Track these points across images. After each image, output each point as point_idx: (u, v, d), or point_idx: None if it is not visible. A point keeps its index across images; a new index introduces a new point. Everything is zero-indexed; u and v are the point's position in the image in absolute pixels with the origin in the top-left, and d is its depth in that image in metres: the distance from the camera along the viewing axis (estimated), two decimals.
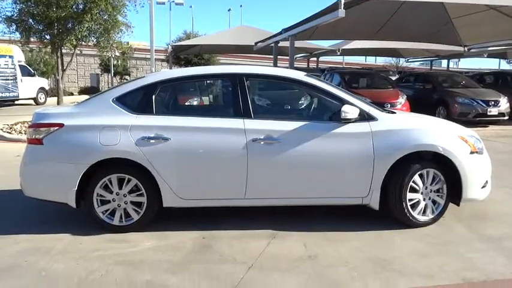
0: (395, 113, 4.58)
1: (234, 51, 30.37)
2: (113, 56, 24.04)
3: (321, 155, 4.03)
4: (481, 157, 4.26)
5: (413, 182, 4.10)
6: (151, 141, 3.97)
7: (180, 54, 29.78)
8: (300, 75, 4.27)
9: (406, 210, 4.10)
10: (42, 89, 20.40)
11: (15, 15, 10.85)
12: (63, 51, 11.51)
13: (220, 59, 35.39)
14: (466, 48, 21.01)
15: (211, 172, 4.04)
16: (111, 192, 4.06)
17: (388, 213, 4.21)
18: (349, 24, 15.32)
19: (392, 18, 16.84)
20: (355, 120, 4.05)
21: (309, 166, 4.04)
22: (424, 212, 4.19)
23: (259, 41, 18.57)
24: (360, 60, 42.23)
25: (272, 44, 16.56)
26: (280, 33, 14.76)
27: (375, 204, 4.13)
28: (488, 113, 11.72)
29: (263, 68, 4.44)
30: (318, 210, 4.49)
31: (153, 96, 4.13)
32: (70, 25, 10.47)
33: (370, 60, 42.15)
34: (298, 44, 19.63)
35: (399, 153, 4.03)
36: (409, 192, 4.10)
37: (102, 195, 4.06)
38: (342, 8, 9.69)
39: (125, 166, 4.02)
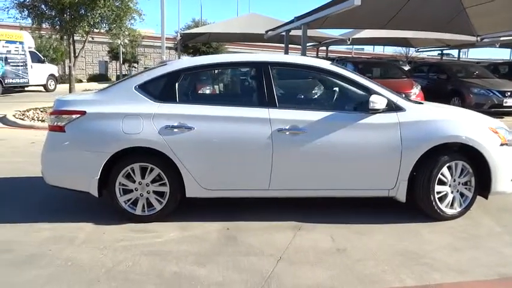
0: (422, 103, 4.47)
1: (242, 40, 30.13)
2: (122, 43, 23.89)
3: (347, 145, 3.94)
4: (510, 149, 4.15)
5: (442, 174, 4.01)
6: (175, 130, 3.90)
7: (188, 43, 29.59)
8: (326, 64, 4.16)
9: (434, 203, 4.01)
10: (52, 76, 20.38)
11: (28, 0, 10.75)
12: (75, 38, 11.42)
13: (229, 48, 35.18)
14: (478, 38, 20.68)
15: (235, 162, 3.97)
16: (134, 182, 4.00)
17: (414, 205, 4.13)
18: (361, 13, 15.08)
19: (405, 7, 16.58)
20: (383, 111, 3.95)
21: (335, 157, 3.96)
22: (452, 205, 4.10)
23: (270, 30, 18.38)
24: (368, 49, 41.93)
25: (283, 33, 16.36)
26: (292, 22, 14.59)
27: (401, 196, 4.05)
28: (504, 104, 11.54)
29: (288, 56, 4.34)
30: (341, 202, 4.41)
31: (176, 84, 4.05)
32: (83, 11, 10.35)
33: (379, 50, 41.83)
34: (307, 32, 19.43)
35: (428, 145, 3.93)
36: (437, 184, 4.01)
37: (124, 185, 4.01)
38: None
39: (148, 155, 3.96)
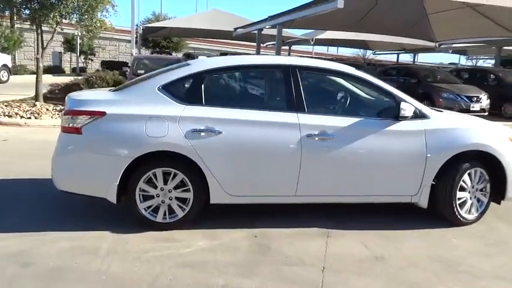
0: (442, 111, 4.55)
1: (205, 36, 29.78)
2: (79, 34, 22.90)
3: (374, 152, 3.94)
4: None
5: (463, 181, 4.10)
6: (202, 134, 3.73)
7: (148, 36, 28.86)
8: (353, 70, 4.14)
9: (455, 209, 4.10)
10: (4, 66, 19.15)
11: None
12: (34, 27, 10.78)
13: (190, 43, 34.67)
14: (437, 44, 21.62)
15: (262, 168, 3.87)
16: (155, 187, 3.80)
17: (434, 211, 4.20)
18: (330, 15, 15.28)
19: (372, 11, 17.00)
20: (410, 118, 3.98)
21: (362, 163, 3.95)
22: (470, 211, 4.21)
23: (239, 27, 18.25)
24: (332, 51, 42.57)
25: (255, 31, 16.30)
26: (265, 20, 14.56)
27: (423, 202, 4.10)
28: (471, 109, 12.10)
29: (316, 60, 4.29)
30: (361, 207, 4.40)
31: (202, 86, 3.88)
32: (54, 0, 9.78)
33: (343, 52, 42.55)
34: (270, 31, 19.47)
35: (451, 152, 4.01)
36: (459, 191, 4.09)
37: (145, 191, 3.80)
38: None
39: (171, 159, 3.77)
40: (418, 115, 4.05)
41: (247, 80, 4.27)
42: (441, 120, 4.11)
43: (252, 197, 3.96)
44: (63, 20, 10.62)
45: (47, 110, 9.90)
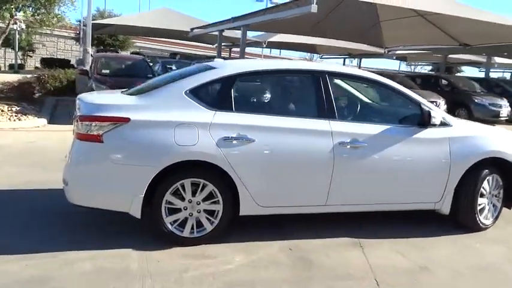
0: (460, 119, 4.63)
1: (155, 35, 28.90)
2: (19, 29, 21.36)
3: (402, 159, 3.92)
4: None
5: (483, 187, 4.17)
6: (234, 142, 3.50)
7: (93, 33, 27.51)
8: (381, 78, 4.09)
9: (476, 215, 4.16)
10: None
11: None
12: None
13: (136, 42, 33.55)
14: (386, 50, 22.45)
15: (294, 177, 3.71)
16: (183, 200, 3.52)
17: (453, 217, 4.23)
18: (289, 19, 15.33)
19: (329, 16, 17.28)
20: (437, 126, 4.00)
21: (390, 171, 3.91)
22: (487, 216, 4.29)
23: (197, 28, 17.85)
24: (271, 53, 42.93)
25: (215, 32, 15.99)
26: (228, 21, 14.28)
27: (445, 209, 4.13)
28: None
29: (345, 67, 4.19)
30: (380, 214, 4.34)
31: (232, 90, 3.65)
32: None
33: (295, 55, 42.89)
34: (227, 32, 19.28)
35: (473, 159, 4.07)
36: (479, 197, 4.17)
37: (172, 203, 3.51)
38: (315, 3, 9.60)
39: (201, 169, 3.51)
40: (443, 123, 4.07)
41: (278, 85, 4.09)
42: (462, 127, 4.16)
43: (282, 208, 3.79)
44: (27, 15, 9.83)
45: (2, 111, 9.06)
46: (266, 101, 3.93)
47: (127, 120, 3.36)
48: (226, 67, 3.78)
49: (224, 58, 22.79)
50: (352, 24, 18.42)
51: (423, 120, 3.93)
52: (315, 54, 36.50)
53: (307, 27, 18.50)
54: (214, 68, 3.78)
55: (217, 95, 3.63)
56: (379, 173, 3.87)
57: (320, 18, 17.61)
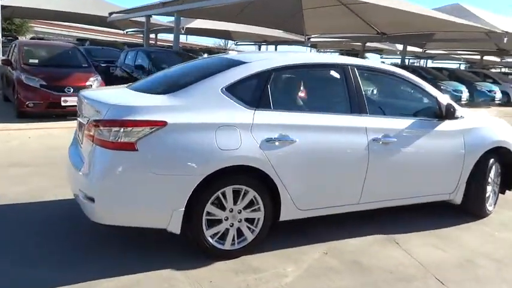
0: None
1: (58, 19, 26.56)
2: None
3: (426, 153, 3.95)
4: None
5: (490, 176, 4.36)
6: (276, 143, 3.24)
7: None
8: (405, 72, 4.06)
9: (485, 203, 4.35)
10: None
11: None
12: None
13: (34, 26, 30.59)
14: (306, 38, 22.93)
15: (333, 177, 3.56)
16: (224, 209, 3.18)
17: (463, 206, 4.36)
18: (216, 5, 14.91)
19: (255, 3, 17.14)
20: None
21: (416, 165, 3.92)
22: (490, 203, 4.50)
23: (118, 12, 16.64)
24: (201, 40, 41.72)
25: (140, 18, 15.03)
26: (156, 6, 13.47)
27: (458, 199, 4.26)
28: None
29: (371, 61, 4.06)
30: (394, 208, 4.33)
31: (269, 87, 3.35)
32: None
33: (193, 40, 42.00)
34: (142, 18, 18.34)
35: (483, 149, 4.22)
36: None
37: (212, 214, 3.16)
38: None
39: (242, 175, 3.20)
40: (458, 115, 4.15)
41: (312, 80, 3.85)
42: (473, 119, 4.28)
43: (319, 210, 3.61)
44: None
45: None
46: (301, 97, 3.69)
47: (164, 124, 2.93)
48: (259, 61, 3.46)
49: (141, 45, 21.63)
50: (275, 11, 18.50)
51: (445, 113, 3.98)
52: (229, 41, 36.26)
53: (233, 13, 18.21)
54: (244, 62, 3.44)
55: (254, 92, 3.31)
56: (406, 167, 3.85)
57: (246, 5, 17.44)
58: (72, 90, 8.65)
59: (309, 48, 37.70)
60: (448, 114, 3.97)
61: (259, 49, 33.92)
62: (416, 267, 3.29)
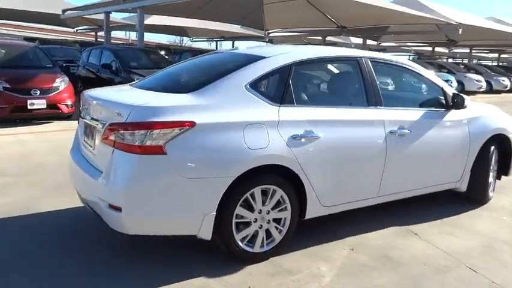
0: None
1: (2, 17, 25.06)
2: None
3: (437, 142, 3.97)
4: None
5: (491, 162, 4.46)
6: (302, 140, 3.14)
7: None
8: (413, 64, 4.06)
9: (487, 189, 4.45)
10: None
11: None
12: None
13: None
14: (266, 33, 22.92)
15: (354, 171, 3.50)
16: (252, 211, 3.05)
17: (468, 193, 4.44)
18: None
19: None
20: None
21: (429, 155, 3.94)
22: (491, 189, 4.61)
23: (72, 9, 15.87)
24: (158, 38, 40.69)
25: (98, 15, 14.42)
26: (115, 2, 12.95)
27: (464, 187, 4.33)
28: None
29: (380, 53, 4.02)
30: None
31: (291, 82, 3.24)
32: None
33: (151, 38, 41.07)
34: (98, 15, 17.67)
35: (485, 137, 4.31)
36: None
37: (242, 217, 3.02)
38: None
39: (270, 174, 3.08)
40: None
41: (331, 74, 3.76)
42: (475, 108, 4.36)
43: (342, 205, 3.54)
44: None
45: None
46: (322, 91, 3.61)
47: (193, 124, 2.75)
48: (279, 55, 3.32)
49: (96, 43, 20.82)
50: (236, 6, 18.36)
51: (453, 103, 4.02)
52: (185, 38, 35.68)
53: (194, 9, 17.91)
54: (264, 56, 3.30)
55: (277, 88, 3.19)
56: (419, 158, 3.86)
57: (207, 1, 17.19)
58: (38, 92, 8.18)
59: (266, 43, 37.90)
60: (457, 103, 4.01)
61: (217, 46, 33.65)
62: (445, 258, 3.29)
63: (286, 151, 3.05)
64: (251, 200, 3.02)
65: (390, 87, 4.22)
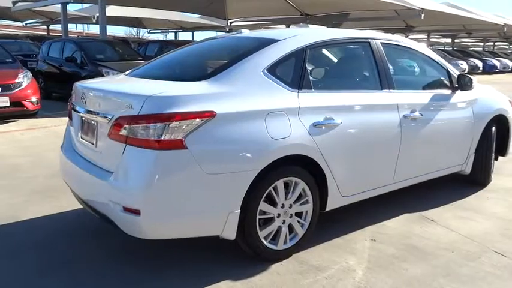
0: None
1: None
2: None
3: (447, 125, 3.89)
4: None
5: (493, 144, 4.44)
6: (323, 127, 2.95)
7: None
8: (418, 44, 3.94)
9: (490, 171, 4.43)
10: None
11: None
12: None
13: None
14: (228, 22, 22.55)
15: (372, 158, 3.35)
16: (275, 206, 2.84)
17: (471, 176, 4.40)
18: None
19: None
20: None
21: (439, 139, 3.86)
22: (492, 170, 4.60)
23: (24, 0, 14.88)
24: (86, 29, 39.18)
25: (52, 7, 13.58)
26: None
27: (468, 169, 4.28)
28: None
29: (390, 35, 3.86)
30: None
31: (306, 65, 3.03)
32: None
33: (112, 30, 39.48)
34: (54, 8, 16.79)
35: (487, 119, 4.27)
36: None
37: (265, 213, 2.80)
38: None
39: (292, 165, 2.87)
40: None
41: (346, 57, 3.56)
42: (477, 90, 4.29)
43: (360, 194, 3.38)
44: None
45: None
46: (336, 75, 3.41)
47: (213, 114, 2.49)
48: (292, 38, 3.09)
49: (48, 37, 19.77)
50: None
51: (461, 84, 3.96)
52: (142, 29, 34.64)
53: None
54: (276, 39, 3.06)
55: (294, 72, 2.96)
56: (430, 142, 3.77)
57: None
58: (0, 89, 7.56)
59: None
60: (465, 85, 3.94)
61: (175, 36, 32.88)
62: (470, 243, 3.20)
63: (308, 140, 2.84)
64: (274, 194, 2.80)
65: (399, 70, 4.08)
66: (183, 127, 2.41)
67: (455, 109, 3.97)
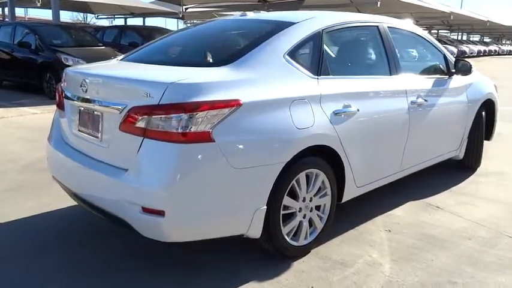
0: None
1: None
2: None
3: (446, 110, 3.87)
4: None
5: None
6: (342, 115, 2.81)
7: None
8: (419, 29, 3.87)
9: (481, 155, 4.49)
10: None
11: None
12: None
13: None
14: (184, 9, 21.91)
15: (385, 146, 3.27)
16: (297, 199, 2.68)
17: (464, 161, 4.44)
18: None
19: None
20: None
21: (440, 124, 3.83)
22: None
23: None
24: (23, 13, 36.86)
25: None
26: None
27: (461, 154, 4.31)
28: None
29: (394, 19, 3.74)
30: None
31: (324, 50, 2.86)
32: None
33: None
34: None
35: (479, 103, 4.31)
36: None
37: (287, 207, 2.63)
38: None
39: (314, 156, 2.71)
40: None
41: (358, 41, 3.41)
42: (472, 74, 4.29)
43: (372, 184, 3.28)
44: None
45: None
46: (350, 60, 3.25)
47: (238, 103, 2.28)
48: (307, 20, 2.90)
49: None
50: None
51: (458, 69, 3.94)
52: (89, 14, 33.03)
53: None
54: (293, 22, 2.86)
55: (313, 57, 2.79)
56: (433, 128, 3.73)
57: None
58: None
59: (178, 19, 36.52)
60: (463, 70, 3.94)
61: (125, 22, 31.59)
62: (483, 229, 3.20)
63: (330, 129, 2.70)
64: (296, 188, 2.64)
65: (403, 55, 4.00)
66: (210, 118, 2.18)
67: (453, 94, 3.96)
